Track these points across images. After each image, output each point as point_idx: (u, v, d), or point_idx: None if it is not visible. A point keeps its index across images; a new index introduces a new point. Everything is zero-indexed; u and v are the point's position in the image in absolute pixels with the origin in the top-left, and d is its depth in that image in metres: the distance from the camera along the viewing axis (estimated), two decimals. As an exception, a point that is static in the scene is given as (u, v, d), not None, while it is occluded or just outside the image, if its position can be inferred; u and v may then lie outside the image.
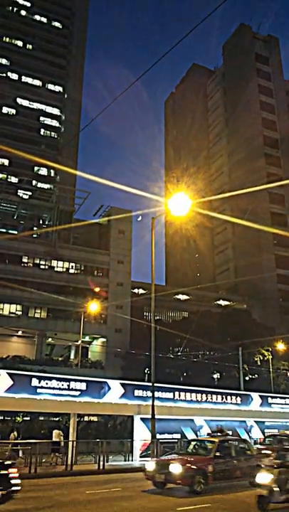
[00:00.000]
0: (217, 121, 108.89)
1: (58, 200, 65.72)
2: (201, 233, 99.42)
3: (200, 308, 60.81)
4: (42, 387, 22.01)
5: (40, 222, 66.83)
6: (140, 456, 23.73)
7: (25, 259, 57.46)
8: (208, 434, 19.24)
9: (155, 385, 21.10)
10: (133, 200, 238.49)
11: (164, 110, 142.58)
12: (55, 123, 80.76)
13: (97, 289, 55.87)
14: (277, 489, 10.97)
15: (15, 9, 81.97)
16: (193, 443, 16.87)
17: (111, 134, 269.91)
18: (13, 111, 77.80)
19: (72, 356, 58.17)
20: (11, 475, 11.23)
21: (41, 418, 30.87)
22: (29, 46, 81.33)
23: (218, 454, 15.02)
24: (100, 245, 63.26)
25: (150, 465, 15.18)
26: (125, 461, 24.04)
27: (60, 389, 22.51)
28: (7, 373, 21.43)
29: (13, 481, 11.23)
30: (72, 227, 61.55)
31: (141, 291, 68.46)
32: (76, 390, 23.05)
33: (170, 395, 26.29)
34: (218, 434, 16.91)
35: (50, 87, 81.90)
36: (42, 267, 57.99)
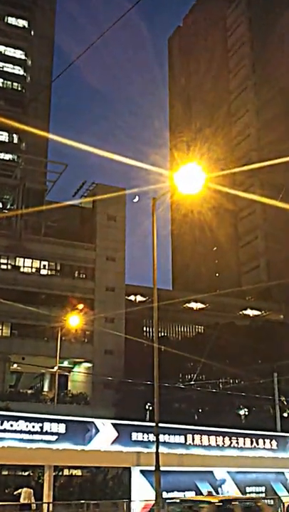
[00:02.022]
0: (241, 65, 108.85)
1: (23, 175, 65.54)
2: (221, 218, 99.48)
3: (220, 321, 60.83)
4: (5, 431, 21.96)
5: (0, 205, 66.71)
6: (141, 523, 23.75)
7: (-20, 257, 57.38)
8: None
9: (160, 425, 21.00)
10: (127, 175, 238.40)
11: (168, 51, 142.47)
12: (18, 70, 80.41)
13: (80, 306, 55.83)
14: None
15: None
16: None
17: (96, 83, 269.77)
18: None
19: (46, 388, 58.09)
20: None
21: (5, 472, 30.91)
22: None
23: None
24: (82, 237, 63.17)
25: None
26: (120, 529, 24.06)
27: (30, 432, 22.48)
28: None
29: None
30: (44, 213, 61.36)
31: (139, 298, 68.37)
32: (52, 433, 23.02)
33: (181, 439, 26.28)
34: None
35: (11, 20, 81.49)
36: (3, 266, 57.81)
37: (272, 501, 27.82)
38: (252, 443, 28.70)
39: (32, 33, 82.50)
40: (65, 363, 57.08)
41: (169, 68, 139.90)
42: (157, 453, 20.24)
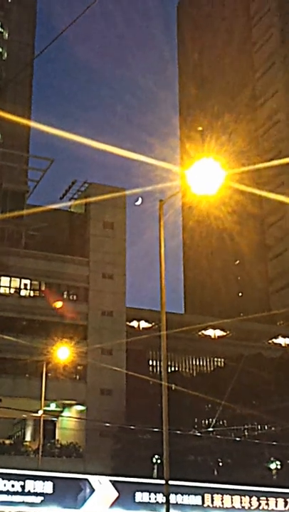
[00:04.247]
0: (267, 36, 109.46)
1: (0, 173, 65.96)
2: (244, 225, 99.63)
3: (244, 352, 60.66)
4: (-22, 491, 21.95)
5: (-28, 211, 67.03)
6: None
7: None
8: None
9: (171, 482, 20.93)
10: (127, 172, 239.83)
11: (177, 20, 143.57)
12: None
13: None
14: None
15: None
16: None
17: (89, 60, 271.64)
18: None
19: (28, 437, 58.05)
20: None
21: None
22: None
23: None
24: (72, 249, 63.38)
25: None
26: None
27: (8, 493, 22.45)
28: None
29: None
30: (26, 219, 61.56)
31: (143, 324, 68.28)
32: (36, 494, 23.00)
33: (197, 500, 26.21)
34: None
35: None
36: (-25, 286, 58.03)
37: None
38: (286, 505, 28.53)
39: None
40: (52, 406, 56.97)
41: (179, 41, 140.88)
42: (168, 518, 20.15)
